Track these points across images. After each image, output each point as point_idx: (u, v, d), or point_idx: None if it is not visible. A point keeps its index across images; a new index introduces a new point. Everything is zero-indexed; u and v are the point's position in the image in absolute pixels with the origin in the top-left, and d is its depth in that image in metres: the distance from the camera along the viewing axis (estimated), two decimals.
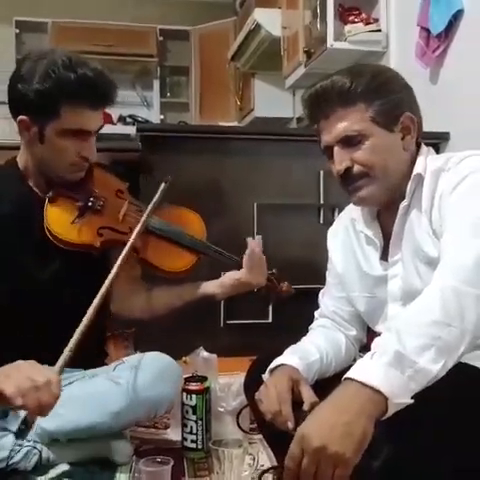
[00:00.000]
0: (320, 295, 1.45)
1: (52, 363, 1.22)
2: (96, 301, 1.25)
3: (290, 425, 1.08)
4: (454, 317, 0.93)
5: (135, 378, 1.40)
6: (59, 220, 1.44)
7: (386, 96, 1.17)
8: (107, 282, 1.30)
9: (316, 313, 1.46)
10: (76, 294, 1.42)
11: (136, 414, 1.42)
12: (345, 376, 0.92)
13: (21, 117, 1.39)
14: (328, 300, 1.42)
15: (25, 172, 1.49)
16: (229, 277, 1.55)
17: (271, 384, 1.17)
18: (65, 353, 1.16)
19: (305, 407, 1.11)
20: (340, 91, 1.16)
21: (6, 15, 4.82)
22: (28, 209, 1.46)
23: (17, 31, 4.95)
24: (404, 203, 1.18)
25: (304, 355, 1.26)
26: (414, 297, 1.01)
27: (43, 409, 1.08)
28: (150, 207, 1.51)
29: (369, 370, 0.90)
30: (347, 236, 1.36)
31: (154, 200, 1.53)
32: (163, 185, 1.58)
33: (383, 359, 0.90)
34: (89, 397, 1.40)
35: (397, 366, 0.89)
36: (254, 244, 1.55)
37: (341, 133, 1.17)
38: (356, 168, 1.18)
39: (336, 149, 1.19)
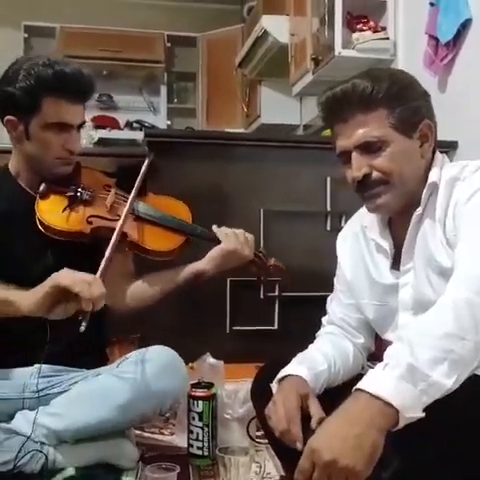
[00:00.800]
0: (328, 301, 1.44)
1: (41, 348, 1.30)
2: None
3: (299, 445, 1.06)
4: (468, 330, 0.92)
5: (140, 371, 1.41)
6: (50, 210, 1.50)
7: (407, 102, 1.15)
8: (103, 263, 1.36)
9: (323, 320, 1.45)
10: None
11: (142, 407, 1.42)
12: (356, 387, 0.91)
13: (8, 117, 1.48)
14: (336, 307, 1.41)
15: (17, 174, 1.56)
16: (216, 250, 1.59)
17: (279, 401, 1.15)
18: (102, 263, 1.32)
19: (313, 423, 1.09)
20: (361, 95, 1.14)
21: (15, 20, 4.85)
22: (20, 207, 1.52)
23: (26, 35, 4.98)
24: (418, 211, 1.17)
25: (312, 365, 1.25)
26: (425, 307, 1.01)
27: (95, 300, 1.20)
28: (136, 185, 1.57)
29: (381, 382, 0.89)
30: (357, 242, 1.34)
31: (138, 178, 1.60)
32: (146, 161, 1.65)
33: (395, 371, 0.89)
34: (94, 393, 1.41)
35: (409, 379, 0.88)
36: (215, 226, 1.63)
37: (361, 139, 1.15)
38: (375, 175, 1.16)
39: (354, 155, 1.16)
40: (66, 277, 1.23)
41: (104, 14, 4.97)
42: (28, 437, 1.35)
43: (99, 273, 1.30)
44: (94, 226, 1.51)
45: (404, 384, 0.88)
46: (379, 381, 0.90)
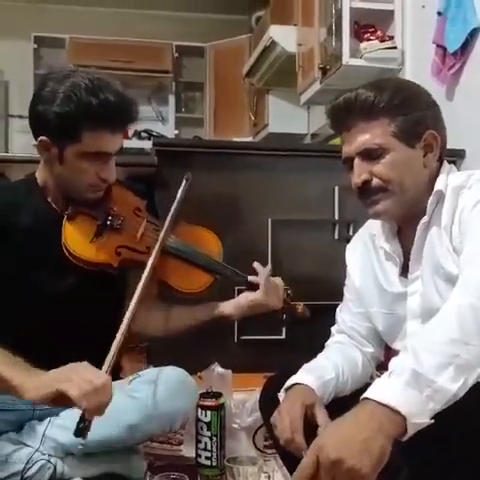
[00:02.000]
0: (338, 310, 1.44)
1: (57, 361, 1.25)
2: (127, 315, 1.28)
3: (304, 454, 1.06)
4: (472, 335, 0.92)
5: (151, 392, 1.39)
6: (77, 238, 1.43)
7: (410, 112, 1.17)
8: (133, 301, 1.31)
9: (333, 329, 1.44)
10: (91, 311, 1.43)
11: (151, 428, 1.41)
12: (363, 396, 0.91)
13: (41, 137, 1.39)
14: (345, 315, 1.41)
15: (44, 188, 1.49)
16: (245, 298, 1.54)
17: (284, 410, 1.16)
18: (109, 358, 1.22)
19: (319, 432, 1.09)
20: (363, 105, 1.17)
21: (25, 30, 4.91)
22: (46, 224, 1.46)
23: (35, 46, 5.03)
24: (424, 219, 1.17)
25: (320, 373, 1.25)
26: (433, 314, 1.00)
27: (101, 409, 1.15)
28: (168, 220, 1.51)
29: (387, 390, 0.89)
30: (366, 251, 1.35)
31: (170, 213, 1.53)
32: (184, 183, 1.59)
33: (401, 378, 0.89)
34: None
35: (415, 385, 0.88)
36: (264, 271, 1.55)
37: (361, 146, 1.18)
38: (374, 182, 1.18)
39: (356, 161, 1.19)
40: (73, 386, 1.11)
41: (112, 25, 5.02)
42: (36, 449, 1.35)
43: (108, 364, 1.21)
44: (122, 258, 1.46)
45: (410, 391, 0.87)
46: (385, 389, 0.89)
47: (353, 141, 1.19)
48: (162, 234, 1.48)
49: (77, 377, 1.13)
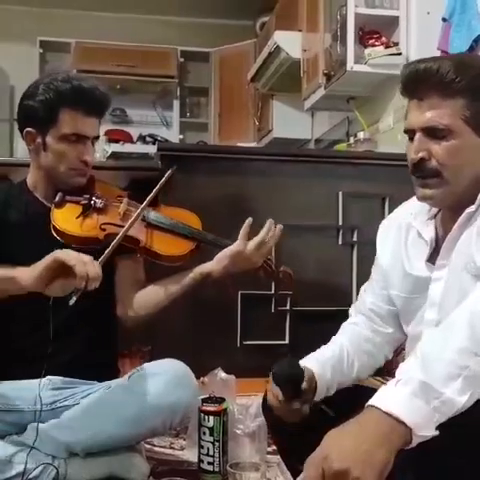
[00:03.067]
0: (362, 290, 1.41)
1: (53, 360, 1.38)
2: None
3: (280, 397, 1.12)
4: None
5: (150, 385, 1.41)
6: (64, 217, 1.56)
7: None
8: (106, 251, 1.42)
9: (351, 309, 1.42)
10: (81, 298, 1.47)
11: (152, 421, 1.41)
12: (368, 403, 0.89)
13: (27, 129, 1.55)
14: (368, 297, 1.37)
15: (33, 187, 1.62)
16: (224, 252, 1.60)
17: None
18: (106, 251, 1.40)
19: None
20: (442, 79, 1.09)
21: (31, 35, 4.93)
22: (35, 217, 1.57)
23: (41, 51, 5.04)
24: (471, 209, 1.12)
25: (318, 355, 1.27)
26: (451, 306, 0.99)
27: (90, 279, 1.25)
28: (151, 194, 1.62)
29: (393, 399, 0.87)
30: (398, 232, 1.30)
31: (156, 188, 1.65)
32: (167, 173, 1.71)
33: (407, 388, 0.87)
34: (104, 407, 1.41)
35: (422, 396, 0.86)
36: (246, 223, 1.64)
37: (429, 121, 1.11)
38: (431, 163, 1.12)
39: (418, 135, 1.12)
40: (64, 253, 1.28)
41: (118, 30, 5.03)
42: (32, 447, 1.35)
43: (100, 259, 1.35)
44: (107, 232, 1.55)
45: (417, 402, 0.86)
46: (391, 398, 0.88)
47: (421, 114, 1.11)
48: (143, 204, 1.60)
49: (66, 251, 1.30)
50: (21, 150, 5.04)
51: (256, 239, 1.61)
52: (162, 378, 1.42)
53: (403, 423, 0.85)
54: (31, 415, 1.43)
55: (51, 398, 1.46)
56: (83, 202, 1.58)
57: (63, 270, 1.26)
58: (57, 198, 1.57)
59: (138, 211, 1.58)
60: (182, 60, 5.27)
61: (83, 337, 1.51)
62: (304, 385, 1.18)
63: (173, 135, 5.24)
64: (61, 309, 1.44)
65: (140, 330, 1.71)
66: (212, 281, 1.60)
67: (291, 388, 1.18)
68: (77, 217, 1.56)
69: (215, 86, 5.19)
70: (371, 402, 0.89)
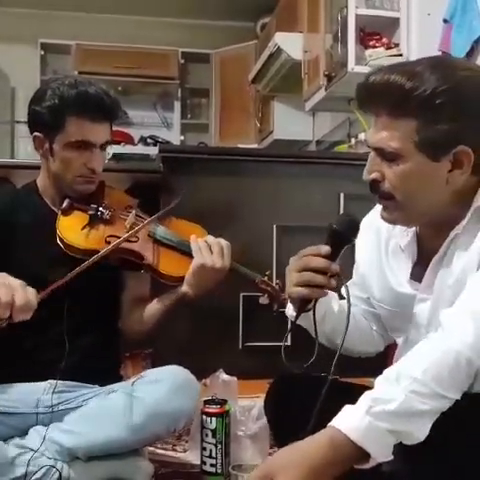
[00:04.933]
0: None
1: (55, 369, 1.39)
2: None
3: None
4: (450, 388, 0.88)
5: (153, 391, 1.40)
6: (70, 228, 1.53)
7: (448, 120, 0.97)
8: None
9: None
10: (85, 306, 1.49)
11: (155, 428, 1.41)
12: (331, 424, 0.88)
13: (35, 134, 1.53)
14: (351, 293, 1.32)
15: (43, 191, 1.60)
16: (188, 272, 1.54)
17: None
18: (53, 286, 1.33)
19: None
20: (393, 97, 0.99)
21: (32, 37, 4.94)
22: (41, 223, 1.55)
23: (42, 53, 5.05)
24: (456, 231, 1.05)
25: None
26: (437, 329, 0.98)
27: (14, 309, 1.18)
28: (158, 214, 1.59)
29: (354, 422, 0.86)
30: (377, 236, 1.23)
31: (163, 210, 1.61)
32: (177, 200, 1.65)
33: (373, 413, 0.86)
34: (107, 412, 1.40)
35: (386, 422, 0.86)
36: (193, 236, 1.58)
37: (378, 143, 1.03)
38: (384, 185, 1.06)
39: (372, 154, 1.06)
40: None
41: (119, 31, 5.04)
42: (35, 451, 1.35)
43: (44, 292, 1.30)
44: None
45: (378, 428, 0.85)
46: (353, 420, 0.86)
47: (374, 132, 1.04)
48: (152, 218, 1.57)
49: None
50: (22, 152, 5.06)
51: (202, 244, 1.55)
52: (165, 385, 1.42)
53: (363, 450, 0.85)
54: (33, 418, 1.43)
55: (52, 401, 1.45)
56: (90, 212, 1.55)
57: None
58: (64, 204, 1.54)
59: (143, 224, 1.54)
60: (183, 61, 5.28)
61: (87, 343, 1.50)
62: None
63: (174, 136, 5.25)
64: (66, 315, 1.47)
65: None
66: (192, 300, 1.55)
67: (346, 236, 1.12)
68: (83, 228, 1.53)
69: (216, 87, 5.19)
70: (332, 422, 0.87)
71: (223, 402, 1.51)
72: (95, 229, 1.54)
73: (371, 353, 1.36)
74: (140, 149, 4.91)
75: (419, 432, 0.87)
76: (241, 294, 2.17)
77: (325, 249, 1.11)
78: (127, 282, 1.62)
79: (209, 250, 1.54)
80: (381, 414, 0.86)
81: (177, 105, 5.34)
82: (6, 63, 4.88)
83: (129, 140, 5.06)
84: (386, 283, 1.20)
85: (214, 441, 1.47)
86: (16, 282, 1.23)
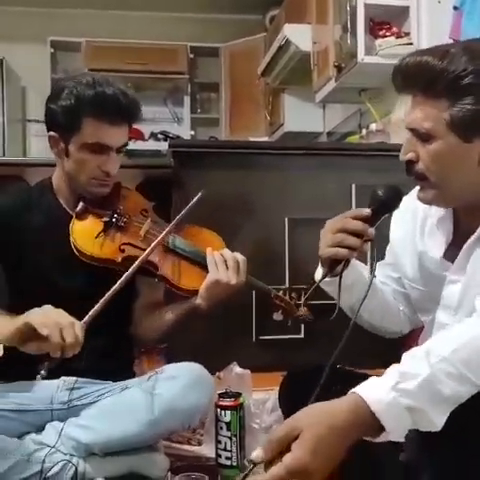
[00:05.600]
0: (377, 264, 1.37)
1: (68, 369, 1.38)
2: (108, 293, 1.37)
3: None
4: (476, 372, 0.87)
5: (169, 388, 1.41)
6: (84, 234, 1.50)
7: (475, 102, 0.99)
8: (117, 284, 1.38)
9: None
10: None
11: (170, 424, 1.42)
12: (357, 390, 0.89)
13: (50, 133, 1.50)
14: (380, 275, 1.34)
15: (57, 190, 1.57)
16: (202, 286, 1.52)
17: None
18: (94, 308, 1.32)
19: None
20: (425, 78, 1.01)
21: (42, 35, 4.95)
22: (57, 224, 1.52)
23: (52, 50, 5.06)
24: None
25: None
26: (468, 312, 0.97)
27: (65, 347, 1.18)
28: (174, 223, 1.55)
29: (378, 395, 0.86)
30: (415, 215, 1.24)
31: (178, 217, 1.56)
32: (196, 198, 1.60)
33: (398, 391, 0.86)
34: (123, 408, 1.41)
35: (412, 412, 0.86)
36: (209, 250, 1.55)
37: (412, 123, 1.06)
38: (418, 166, 1.08)
39: (408, 135, 1.08)
40: (38, 317, 1.21)
41: (127, 27, 5.04)
42: (52, 447, 1.36)
43: (87, 319, 1.29)
44: (126, 255, 1.50)
45: (400, 408, 0.85)
46: (378, 393, 0.87)
47: (409, 113, 1.06)
48: (166, 230, 1.52)
49: (45, 313, 1.24)
50: (34, 150, 5.09)
51: (218, 258, 1.52)
52: (181, 381, 1.42)
53: (379, 421, 0.85)
54: (48, 414, 1.44)
55: (66, 397, 1.46)
56: (105, 219, 1.52)
57: (36, 332, 1.20)
58: (79, 208, 1.51)
59: (157, 239, 1.50)
60: (192, 56, 5.27)
61: (101, 345, 1.49)
62: None
63: (184, 131, 5.25)
64: (75, 314, 1.45)
65: None
66: (204, 312, 1.54)
67: (389, 204, 1.15)
68: (97, 236, 1.50)
69: (225, 81, 5.18)
70: (359, 391, 0.88)
71: (237, 395, 1.51)
72: (109, 237, 1.51)
73: (395, 333, 1.37)
74: (151, 145, 4.92)
75: (437, 417, 0.87)
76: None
77: (366, 211, 1.13)
78: (141, 288, 1.61)
79: (225, 265, 1.51)
80: (406, 390, 0.86)
81: (187, 100, 5.35)
82: (17, 62, 4.91)
83: (140, 136, 5.07)
84: (419, 262, 1.21)
85: (229, 434, 1.48)
86: (63, 318, 1.22)
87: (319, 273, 1.25)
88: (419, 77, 1.02)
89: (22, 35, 4.90)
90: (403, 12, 2.86)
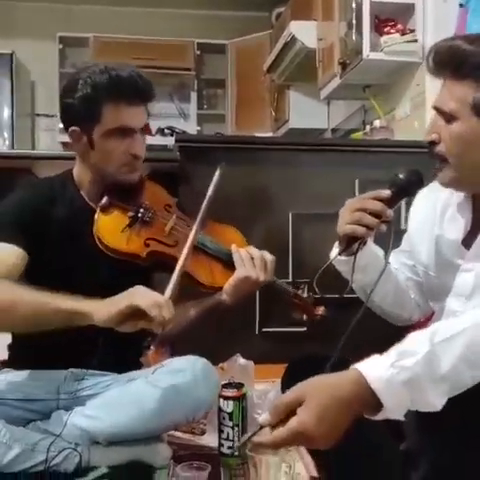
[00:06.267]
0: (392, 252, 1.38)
1: (87, 361, 1.43)
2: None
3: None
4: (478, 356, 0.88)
5: (174, 381, 1.41)
6: (109, 228, 1.48)
7: None
8: (172, 282, 1.36)
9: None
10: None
11: (175, 417, 1.43)
12: (358, 366, 0.90)
13: (71, 128, 1.47)
14: (394, 262, 1.35)
15: (79, 184, 1.55)
16: (229, 281, 1.52)
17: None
18: (171, 284, 1.33)
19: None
20: (454, 59, 1.05)
21: (50, 31, 4.98)
22: (78, 218, 1.50)
23: (60, 46, 5.10)
24: None
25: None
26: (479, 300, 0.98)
27: (166, 323, 1.23)
28: (200, 216, 1.52)
29: (379, 372, 0.88)
30: (433, 206, 1.25)
31: (201, 210, 1.53)
32: (217, 175, 1.59)
33: (399, 374, 0.87)
34: (129, 400, 1.42)
35: (408, 386, 0.87)
36: (234, 246, 1.55)
37: (437, 102, 1.09)
38: (438, 147, 1.10)
39: (434, 115, 1.10)
40: (143, 298, 1.23)
41: (135, 23, 5.06)
42: (57, 435, 1.37)
43: (170, 294, 1.31)
44: (151, 250, 1.49)
45: (400, 388, 0.87)
46: (379, 371, 0.88)
47: (440, 93, 1.09)
48: (194, 228, 1.50)
49: (144, 293, 1.26)
50: (43, 144, 5.12)
51: (244, 255, 1.52)
52: (186, 375, 1.43)
53: (379, 399, 0.87)
54: (54, 404, 1.46)
55: (73, 387, 1.48)
56: (130, 214, 1.49)
57: (138, 312, 1.22)
58: (103, 201, 1.49)
59: (190, 239, 1.47)
60: (199, 52, 5.28)
61: (113, 339, 1.43)
62: None
63: (191, 127, 5.26)
64: None
65: None
66: (227, 308, 1.54)
67: (409, 187, 1.17)
68: (122, 230, 1.48)
69: (232, 78, 5.19)
70: (360, 367, 0.90)
71: (240, 386, 1.52)
72: (135, 231, 1.49)
73: (405, 319, 1.38)
74: (158, 140, 4.92)
75: (436, 398, 0.88)
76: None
77: (386, 193, 1.16)
78: (156, 285, 1.56)
79: (252, 262, 1.51)
80: (404, 367, 0.87)
81: (193, 96, 5.36)
82: (26, 57, 4.95)
83: (147, 131, 5.07)
84: (436, 247, 1.22)
85: (231, 424, 1.49)
86: (158, 297, 1.25)
87: (334, 252, 1.27)
88: (449, 59, 1.05)
89: (31, 30, 4.94)
90: (408, 9, 2.86)
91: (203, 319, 1.57)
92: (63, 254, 1.47)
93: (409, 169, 1.19)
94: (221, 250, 1.55)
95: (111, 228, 1.48)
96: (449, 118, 1.07)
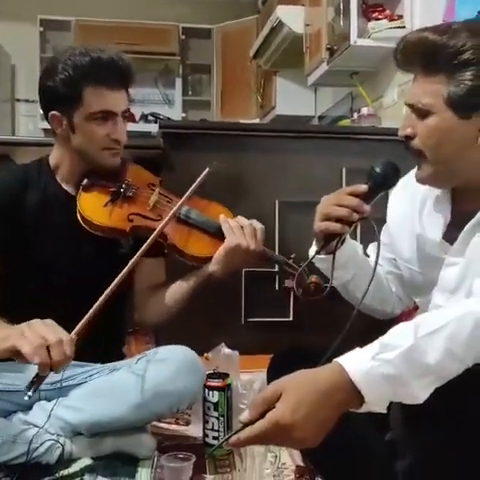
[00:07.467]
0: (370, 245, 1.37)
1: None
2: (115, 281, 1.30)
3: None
4: (468, 354, 0.87)
5: (158, 371, 1.40)
6: (91, 204, 1.48)
7: (473, 78, 0.98)
8: (130, 264, 1.33)
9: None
10: (101, 285, 1.42)
11: (158, 408, 1.42)
12: (339, 360, 0.89)
13: (52, 112, 1.46)
14: (373, 255, 1.31)
15: (55, 168, 1.54)
16: (219, 250, 1.51)
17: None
18: (83, 321, 1.24)
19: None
20: (425, 53, 1.01)
21: (31, 14, 4.89)
22: (54, 203, 1.50)
23: (41, 29, 5.02)
24: None
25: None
26: (465, 295, 0.98)
27: (54, 366, 1.15)
28: (188, 193, 1.50)
29: (361, 366, 0.87)
30: (413, 197, 1.22)
31: (193, 185, 1.52)
32: (206, 171, 1.56)
33: (380, 367, 0.86)
34: (112, 390, 1.41)
35: (390, 380, 0.86)
36: (222, 216, 1.54)
37: (411, 98, 1.07)
38: (414, 142, 1.08)
39: (407, 111, 1.09)
40: (26, 343, 1.14)
41: (119, 7, 4.98)
42: (41, 427, 1.36)
43: (76, 328, 1.22)
44: (134, 224, 1.49)
45: (382, 382, 0.86)
46: (361, 364, 0.87)
47: (410, 89, 1.08)
48: (179, 203, 1.49)
49: (32, 333, 1.15)
50: (23, 130, 5.04)
51: (233, 224, 1.51)
52: (170, 364, 1.42)
53: (360, 392, 0.86)
54: (36, 395, 1.39)
55: (54, 378, 1.44)
56: (112, 189, 1.50)
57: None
58: (85, 181, 1.49)
59: (173, 210, 1.47)
60: (184, 37, 5.23)
61: (94, 327, 1.40)
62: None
63: (175, 113, 5.22)
64: (70, 293, 1.45)
65: None
66: (218, 280, 1.53)
67: (385, 180, 1.16)
68: (104, 205, 1.48)
69: (217, 63, 5.15)
70: (341, 360, 0.89)
71: (225, 376, 1.51)
72: (117, 206, 1.49)
73: (387, 314, 1.37)
74: (141, 126, 4.88)
75: (420, 391, 0.87)
76: (243, 270, 2.17)
77: (362, 188, 1.14)
78: (142, 270, 1.56)
79: (241, 230, 1.50)
80: (385, 360, 0.87)
81: (178, 81, 5.31)
82: (6, 40, 4.85)
83: (130, 118, 5.02)
84: (417, 244, 1.20)
85: (216, 414, 1.49)
86: (51, 335, 1.15)
87: (313, 250, 1.24)
88: (419, 52, 1.02)
89: (12, 13, 4.84)
90: None
91: (195, 295, 1.55)
92: (39, 240, 1.46)
93: (385, 161, 1.17)
94: (208, 222, 1.55)
95: (93, 204, 1.48)
96: (424, 113, 1.05)
